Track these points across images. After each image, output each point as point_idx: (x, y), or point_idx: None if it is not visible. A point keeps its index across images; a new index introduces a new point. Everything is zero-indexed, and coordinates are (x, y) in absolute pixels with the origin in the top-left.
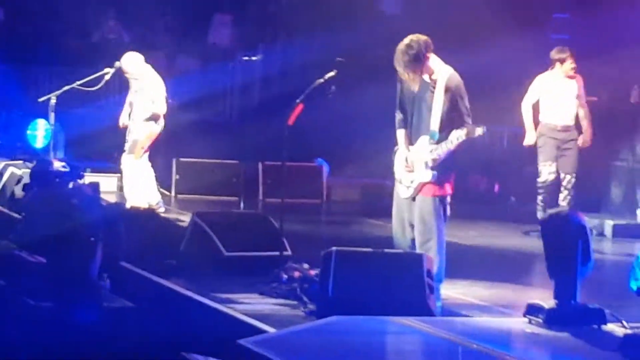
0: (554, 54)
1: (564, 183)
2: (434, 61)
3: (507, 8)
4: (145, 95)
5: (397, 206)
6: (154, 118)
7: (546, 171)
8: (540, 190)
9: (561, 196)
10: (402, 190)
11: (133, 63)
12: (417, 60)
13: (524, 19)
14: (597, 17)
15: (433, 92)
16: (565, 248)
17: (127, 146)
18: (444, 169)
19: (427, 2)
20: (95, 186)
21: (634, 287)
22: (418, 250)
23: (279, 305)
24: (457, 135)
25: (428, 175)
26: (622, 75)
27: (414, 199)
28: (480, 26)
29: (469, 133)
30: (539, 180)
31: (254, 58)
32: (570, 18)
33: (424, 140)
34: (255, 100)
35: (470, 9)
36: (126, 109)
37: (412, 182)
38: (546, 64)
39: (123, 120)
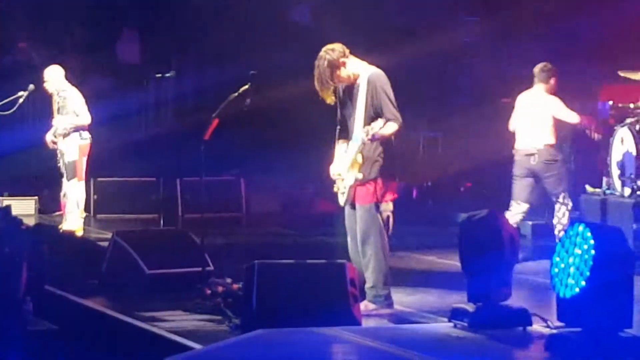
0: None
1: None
2: (355, 65)
3: (417, 11)
4: (69, 109)
5: (347, 220)
6: (78, 129)
7: None
8: None
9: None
10: (340, 199)
11: (57, 76)
12: (331, 67)
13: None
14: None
15: (357, 96)
16: (478, 249)
17: (64, 171)
18: (371, 170)
19: (336, 8)
20: (6, 210)
21: (567, 295)
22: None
23: (203, 321)
24: (372, 126)
25: (352, 177)
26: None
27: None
28: (391, 30)
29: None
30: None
31: (167, 75)
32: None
33: (352, 145)
34: (170, 117)
35: (381, 13)
36: (52, 129)
37: (344, 188)
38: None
39: (49, 139)
